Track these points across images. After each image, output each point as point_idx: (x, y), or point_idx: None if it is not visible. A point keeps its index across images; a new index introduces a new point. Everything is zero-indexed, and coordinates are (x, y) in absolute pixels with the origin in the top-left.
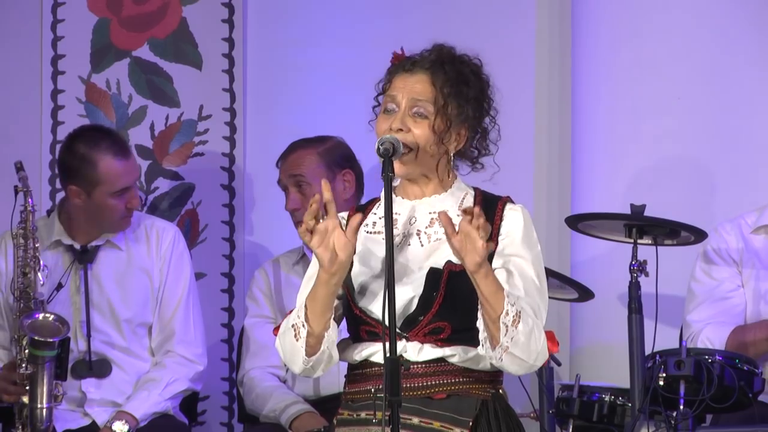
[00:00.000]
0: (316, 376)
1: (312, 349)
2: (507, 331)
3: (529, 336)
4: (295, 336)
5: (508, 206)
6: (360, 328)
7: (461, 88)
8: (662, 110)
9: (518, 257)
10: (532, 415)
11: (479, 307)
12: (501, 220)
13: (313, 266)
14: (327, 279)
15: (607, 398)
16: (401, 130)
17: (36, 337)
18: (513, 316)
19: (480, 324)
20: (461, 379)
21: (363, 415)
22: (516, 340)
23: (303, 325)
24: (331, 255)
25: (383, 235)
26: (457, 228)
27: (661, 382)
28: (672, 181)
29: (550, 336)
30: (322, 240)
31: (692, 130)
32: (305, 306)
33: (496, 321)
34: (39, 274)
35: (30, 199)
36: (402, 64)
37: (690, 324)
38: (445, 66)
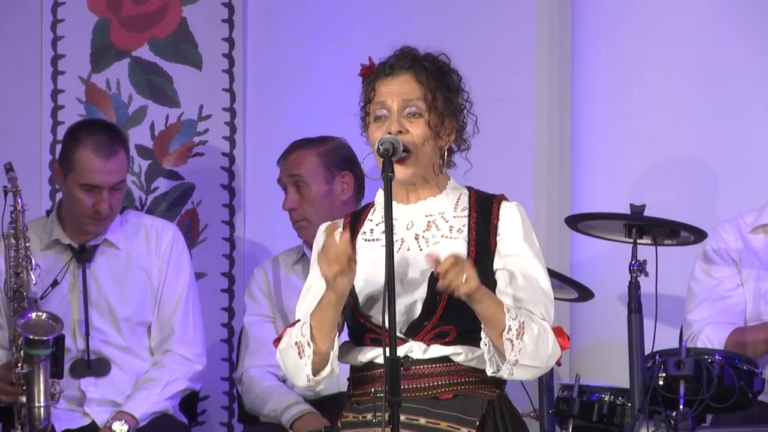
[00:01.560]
0: (316, 390)
1: (317, 366)
2: (513, 346)
3: (537, 343)
4: (299, 354)
5: (504, 204)
6: (364, 335)
7: (444, 80)
8: (662, 110)
9: (518, 256)
10: (532, 414)
11: (482, 327)
12: (498, 219)
13: (313, 275)
14: (337, 301)
15: (606, 398)
16: (400, 132)
17: (30, 336)
18: (516, 330)
19: (483, 344)
20: (467, 379)
21: (368, 417)
22: (524, 351)
23: (308, 344)
24: (340, 276)
25: (382, 242)
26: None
27: (661, 382)
28: (672, 181)
29: (560, 332)
30: (332, 266)
31: (692, 130)
32: (311, 326)
33: (500, 338)
34: (31, 274)
35: (20, 200)
36: (381, 70)
37: (690, 323)
38: (424, 62)
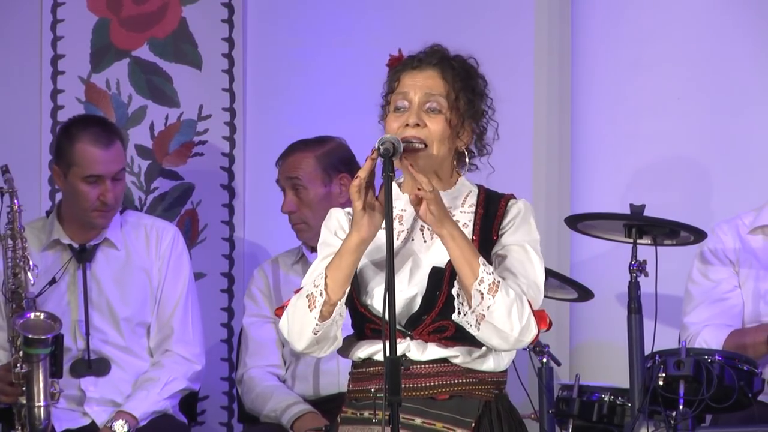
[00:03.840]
0: (318, 356)
1: (323, 318)
2: (482, 299)
3: (510, 307)
4: (310, 306)
5: (511, 202)
6: (364, 325)
7: (470, 83)
8: (662, 110)
9: (512, 244)
10: (532, 416)
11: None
12: (502, 216)
13: (324, 249)
14: (358, 244)
15: (606, 398)
16: (418, 125)
17: (29, 335)
18: (489, 284)
19: (455, 290)
20: (464, 380)
21: (366, 414)
22: (493, 309)
23: (321, 294)
24: (370, 218)
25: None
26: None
27: (661, 382)
28: (671, 181)
29: (541, 314)
30: (364, 202)
31: (692, 130)
32: (325, 275)
33: (469, 288)
34: (29, 274)
35: (16, 200)
36: (408, 62)
37: (688, 326)
38: (452, 61)
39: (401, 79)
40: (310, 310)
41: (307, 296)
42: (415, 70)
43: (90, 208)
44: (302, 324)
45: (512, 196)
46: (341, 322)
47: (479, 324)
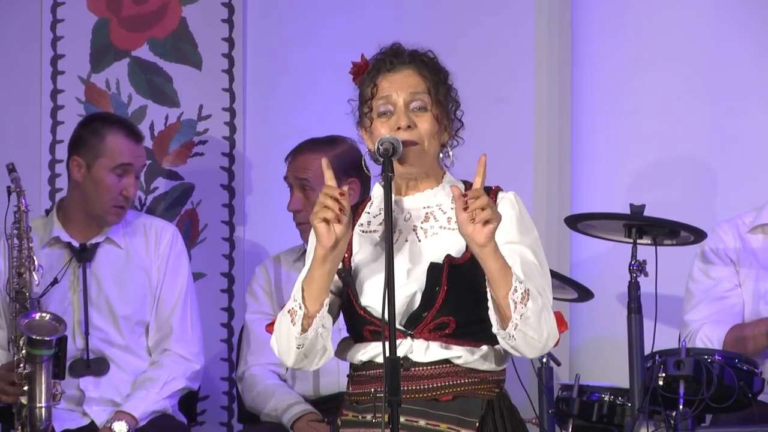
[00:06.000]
0: (310, 369)
1: (304, 330)
2: (516, 307)
3: (539, 314)
4: (292, 321)
5: (500, 195)
6: (363, 328)
7: (441, 76)
8: (662, 110)
9: (515, 243)
10: (534, 421)
11: (487, 287)
12: None
13: (308, 260)
14: (324, 255)
15: (606, 398)
16: (409, 127)
17: (33, 336)
18: (522, 293)
19: (490, 305)
20: (467, 380)
21: (368, 417)
22: (526, 317)
23: (300, 307)
24: (328, 228)
25: (379, 234)
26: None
27: (661, 382)
28: (672, 181)
29: (558, 316)
30: (322, 216)
31: (692, 130)
32: (302, 288)
33: (505, 298)
34: (34, 274)
35: (23, 200)
36: (381, 65)
37: (688, 323)
38: (422, 57)
39: (378, 84)
40: (293, 325)
41: (288, 311)
42: (391, 72)
43: (111, 203)
44: (288, 340)
45: (499, 189)
46: (326, 335)
47: (514, 333)
